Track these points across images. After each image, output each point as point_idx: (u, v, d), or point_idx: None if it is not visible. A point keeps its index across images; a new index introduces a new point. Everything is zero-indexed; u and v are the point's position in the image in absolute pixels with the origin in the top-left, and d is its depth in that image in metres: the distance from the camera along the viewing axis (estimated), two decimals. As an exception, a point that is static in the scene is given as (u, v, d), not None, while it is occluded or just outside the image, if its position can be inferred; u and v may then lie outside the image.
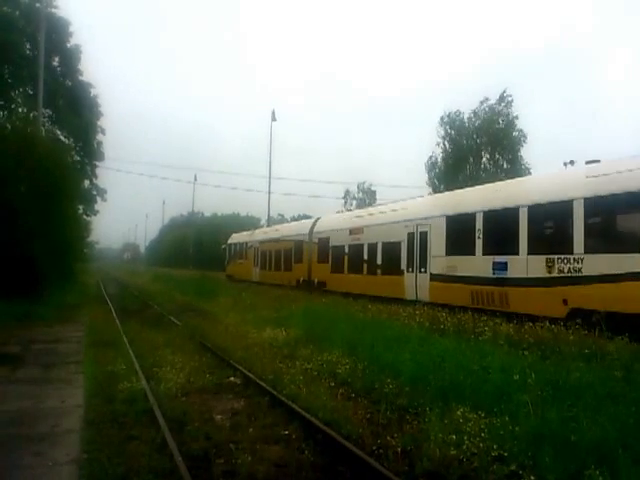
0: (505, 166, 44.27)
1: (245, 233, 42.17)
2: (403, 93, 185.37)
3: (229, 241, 43.92)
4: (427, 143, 60.36)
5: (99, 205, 33.75)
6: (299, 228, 30.68)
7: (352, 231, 23.16)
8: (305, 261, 27.80)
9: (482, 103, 44.92)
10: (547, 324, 11.37)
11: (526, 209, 14.01)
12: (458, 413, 6.18)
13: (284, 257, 30.81)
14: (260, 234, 37.44)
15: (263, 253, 34.47)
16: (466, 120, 45.82)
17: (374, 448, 5.48)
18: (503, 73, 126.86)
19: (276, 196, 51.64)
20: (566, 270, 12.62)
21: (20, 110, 27.18)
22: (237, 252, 40.95)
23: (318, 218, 29.29)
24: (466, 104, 47.26)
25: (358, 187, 62.17)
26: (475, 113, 45.32)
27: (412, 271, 18.42)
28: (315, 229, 27.46)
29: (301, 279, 27.76)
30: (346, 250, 23.44)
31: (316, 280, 26.08)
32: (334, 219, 28.29)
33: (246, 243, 38.79)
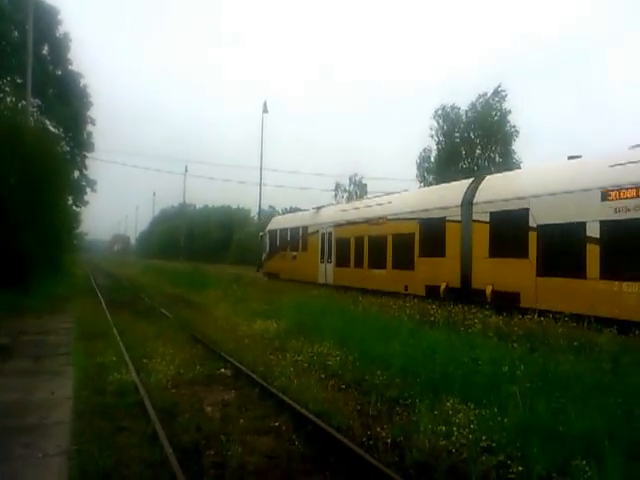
0: (497, 160, 44.39)
1: (303, 213, 31.37)
2: (401, 92, 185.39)
3: (270, 226, 33.52)
4: (420, 137, 60.42)
5: (89, 196, 33.53)
6: (438, 198, 18.48)
7: (614, 194, 12.10)
8: (452, 254, 16.78)
9: (480, 97, 44.98)
10: (536, 317, 11.47)
11: None
12: (448, 404, 6.22)
13: (395, 248, 19.73)
14: (336, 213, 26.04)
15: (343, 242, 23.53)
16: (463, 113, 45.86)
17: (364, 439, 5.51)
18: (501, 73, 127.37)
19: (267, 188, 51.32)
20: None
21: (8, 99, 26.87)
22: (286, 241, 29.77)
23: (482, 177, 17.38)
24: (461, 102, 47.23)
25: (350, 180, 62.08)
26: (472, 106, 45.31)
27: None
28: (482, 196, 16.00)
29: (442, 285, 16.83)
30: (600, 231, 12.33)
31: (489, 289, 15.08)
32: (541, 174, 15.25)
33: (305, 228, 27.72)
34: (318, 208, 28.94)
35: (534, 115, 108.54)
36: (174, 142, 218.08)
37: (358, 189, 61.12)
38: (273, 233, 32.29)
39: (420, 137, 57.80)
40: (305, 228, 27.79)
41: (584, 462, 4.49)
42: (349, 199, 58.49)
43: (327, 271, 24.93)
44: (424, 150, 47.21)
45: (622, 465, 4.34)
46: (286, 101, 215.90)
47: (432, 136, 46.61)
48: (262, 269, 33.45)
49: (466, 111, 45.69)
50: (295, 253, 28.61)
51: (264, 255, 33.44)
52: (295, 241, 28.82)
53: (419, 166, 47.18)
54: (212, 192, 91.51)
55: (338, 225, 24.42)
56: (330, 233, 24.90)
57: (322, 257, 25.48)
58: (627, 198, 11.85)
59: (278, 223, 33.14)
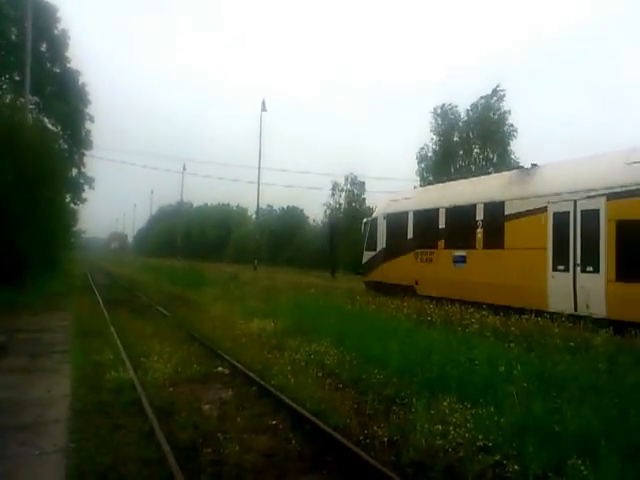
0: (495, 160, 44.43)
1: (484, 179, 18.52)
2: (401, 92, 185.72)
3: (386, 208, 21.38)
4: (420, 137, 60.40)
5: (87, 194, 33.43)
6: None
7: None
8: None
9: (482, 98, 45.06)
10: (533, 317, 11.51)
11: None
12: (444, 404, 6.24)
13: None
14: (618, 167, 12.69)
15: None
16: (463, 112, 45.95)
17: (361, 438, 5.52)
18: (504, 73, 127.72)
19: (266, 187, 50.83)
20: None
21: (7, 97, 26.80)
22: (434, 231, 17.88)
23: None
24: (462, 101, 47.33)
25: (346, 179, 61.99)
26: (474, 106, 45.35)
27: None
28: None
29: None
30: None
31: None
32: None
33: (493, 205, 15.81)
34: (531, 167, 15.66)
35: (538, 115, 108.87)
36: (173, 140, 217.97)
37: (355, 188, 61.01)
38: (396, 219, 20.07)
39: (419, 136, 57.78)
40: (495, 206, 15.51)
41: (580, 462, 4.51)
42: (347, 198, 58.49)
43: (583, 289, 12.82)
44: (421, 149, 47.27)
45: (617, 465, 4.36)
46: (286, 101, 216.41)
47: (431, 133, 46.66)
48: (367, 276, 22.25)
49: (467, 110, 45.78)
50: (460, 252, 16.69)
51: (370, 255, 21.83)
52: (460, 230, 16.91)
53: (418, 164, 47.22)
54: (210, 190, 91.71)
55: (630, 193, 12.13)
56: (594, 211, 12.87)
57: (559, 260, 13.57)
58: None
59: (408, 202, 20.01)
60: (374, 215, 22.43)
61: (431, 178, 43.85)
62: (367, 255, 22.23)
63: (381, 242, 21.05)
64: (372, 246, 21.72)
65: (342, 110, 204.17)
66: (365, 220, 23.03)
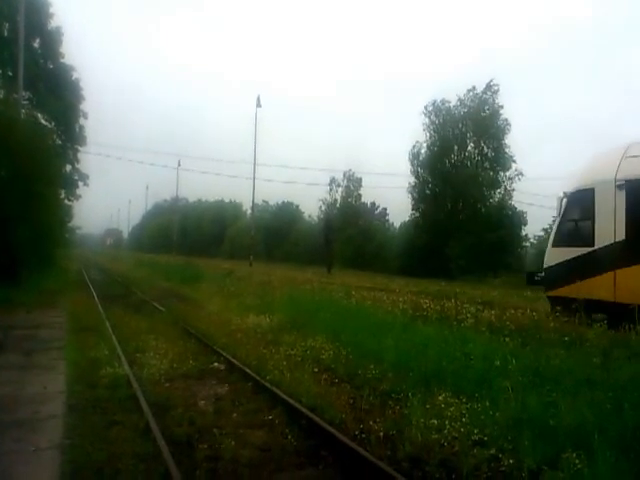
0: (490, 154, 44.50)
1: None
2: (401, 89, 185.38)
3: (610, 172, 11.49)
4: (414, 133, 60.33)
5: (81, 190, 33.30)
6: None
7: None
8: None
9: (469, 91, 45.15)
10: (528, 311, 11.55)
11: None
12: (440, 398, 6.27)
13: None
14: None
15: None
16: (455, 107, 45.94)
17: (357, 433, 5.53)
18: (502, 71, 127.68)
19: (260, 183, 50.62)
20: None
21: (0, 93, 26.61)
22: None
23: None
24: (454, 96, 47.26)
25: (344, 175, 61.99)
26: (461, 102, 45.49)
27: None
28: None
29: None
30: None
31: None
32: None
33: None
34: None
35: (539, 110, 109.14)
36: (169, 136, 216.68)
37: (352, 184, 61.02)
38: None
39: (413, 134, 57.75)
40: None
41: (574, 455, 4.53)
42: (343, 194, 58.54)
43: None
44: (414, 146, 47.26)
45: (612, 457, 4.38)
46: (285, 98, 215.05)
47: (425, 129, 46.68)
48: (559, 289, 12.61)
49: (455, 106, 45.78)
50: None
51: (571, 254, 12.55)
52: None
53: (412, 162, 47.21)
54: (206, 186, 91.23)
55: None
56: None
57: None
58: None
59: None
60: (581, 185, 12.71)
61: (426, 175, 43.95)
62: (561, 253, 12.90)
63: (608, 231, 11.75)
64: (577, 238, 12.67)
65: (341, 108, 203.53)
66: (562, 194, 13.12)
